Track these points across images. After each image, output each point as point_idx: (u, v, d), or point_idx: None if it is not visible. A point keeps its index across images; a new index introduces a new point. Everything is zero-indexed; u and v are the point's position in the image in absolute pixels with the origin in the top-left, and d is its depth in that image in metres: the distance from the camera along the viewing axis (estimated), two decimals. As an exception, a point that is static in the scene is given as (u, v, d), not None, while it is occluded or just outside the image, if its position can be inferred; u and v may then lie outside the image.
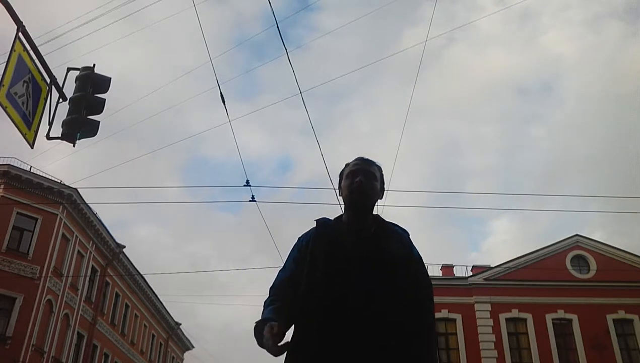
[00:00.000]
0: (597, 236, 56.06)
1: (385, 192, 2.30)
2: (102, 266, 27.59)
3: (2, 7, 6.75)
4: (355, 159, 2.27)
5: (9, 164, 22.40)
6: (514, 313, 23.44)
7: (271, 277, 2.16)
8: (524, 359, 22.81)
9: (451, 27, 59.46)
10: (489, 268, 25.11)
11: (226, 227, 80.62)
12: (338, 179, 2.32)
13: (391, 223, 2.24)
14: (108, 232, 27.61)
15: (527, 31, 63.44)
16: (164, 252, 72.61)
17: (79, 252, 25.21)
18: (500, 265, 24.87)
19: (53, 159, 59.32)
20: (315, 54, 76.29)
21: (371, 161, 2.27)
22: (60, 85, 7.77)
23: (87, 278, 25.87)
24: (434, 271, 24.58)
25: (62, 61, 22.49)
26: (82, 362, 25.38)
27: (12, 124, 6.89)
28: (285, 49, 9.57)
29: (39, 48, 7.41)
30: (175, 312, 48.57)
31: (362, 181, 2.16)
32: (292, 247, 2.25)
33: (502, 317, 23.38)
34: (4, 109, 6.61)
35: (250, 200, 10.78)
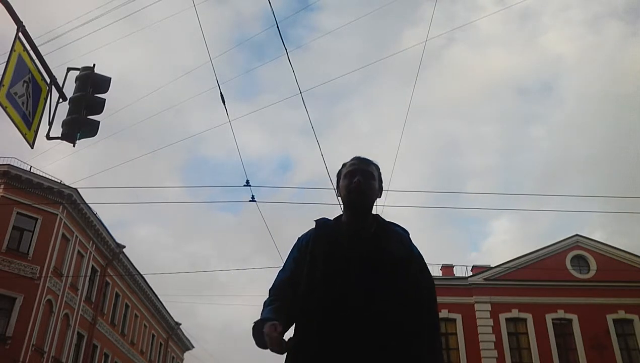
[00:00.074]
0: (597, 236, 56.09)
1: (384, 190, 2.30)
2: (102, 266, 27.60)
3: (2, 7, 6.75)
4: (353, 159, 2.26)
5: (9, 164, 22.40)
6: (514, 313, 23.44)
7: (271, 277, 2.16)
8: (524, 359, 22.81)
9: (451, 27, 59.52)
10: (489, 268, 25.11)
11: (226, 227, 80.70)
12: (336, 179, 2.31)
13: (391, 223, 2.24)
14: (108, 232, 27.61)
15: (527, 31, 63.51)
16: (164, 252, 72.68)
17: (79, 252, 25.21)
18: (500, 265, 24.88)
19: (53, 159, 59.35)
20: (315, 54, 76.36)
21: (369, 160, 2.25)
22: (60, 85, 7.77)
23: (87, 278, 25.87)
24: (434, 271, 24.52)
25: (62, 61, 22.49)
26: (82, 362, 25.38)
27: (12, 124, 6.89)
28: (285, 49, 9.58)
29: (39, 48, 7.41)
30: (175, 312, 48.62)
31: (361, 181, 2.15)
32: (292, 247, 2.25)
33: (502, 317, 23.38)
34: (4, 109, 6.61)
35: (250, 200, 10.79)
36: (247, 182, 10.55)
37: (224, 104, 9.28)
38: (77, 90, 7.56)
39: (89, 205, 24.71)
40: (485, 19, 66.55)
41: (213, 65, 19.05)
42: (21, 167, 22.68)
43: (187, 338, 41.47)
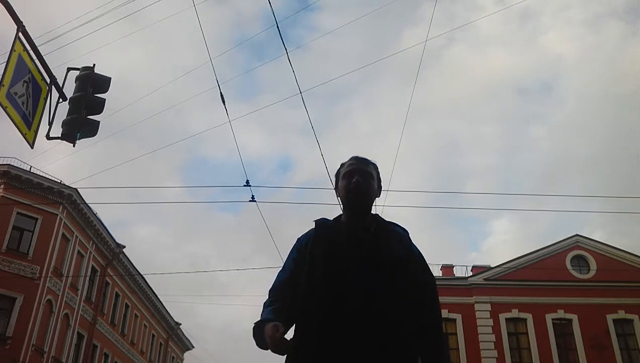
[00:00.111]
0: (597, 236, 56.09)
1: (384, 190, 2.30)
2: (102, 266, 27.60)
3: (2, 7, 6.75)
4: (351, 159, 2.26)
5: (9, 164, 22.40)
6: (514, 313, 23.44)
7: (271, 277, 2.16)
8: (524, 359, 22.81)
9: (451, 27, 59.54)
10: (489, 268, 25.12)
11: (226, 227, 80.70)
12: (334, 179, 2.31)
13: (391, 222, 2.24)
14: (108, 232, 27.62)
15: (527, 31, 63.52)
16: (164, 252, 72.68)
17: (79, 252, 25.21)
18: (500, 265, 24.88)
19: (53, 159, 59.37)
20: (315, 54, 76.37)
21: (367, 160, 2.25)
22: (60, 85, 7.77)
23: (87, 278, 25.88)
24: (434, 271, 24.04)
25: (62, 61, 22.51)
26: (82, 362, 25.38)
27: (12, 124, 6.89)
28: (285, 49, 9.58)
29: (39, 48, 7.41)
30: (175, 312, 48.64)
31: (360, 181, 2.15)
32: (291, 247, 2.25)
33: (502, 317, 23.39)
34: (4, 109, 6.61)
35: (250, 200, 10.78)
36: (247, 182, 10.56)
37: (224, 104, 9.29)
38: (77, 90, 7.56)
39: (89, 205, 24.74)
40: (485, 19, 66.63)
41: (213, 65, 19.09)
42: (21, 167, 22.69)
43: (187, 338, 41.48)
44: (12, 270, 21.22)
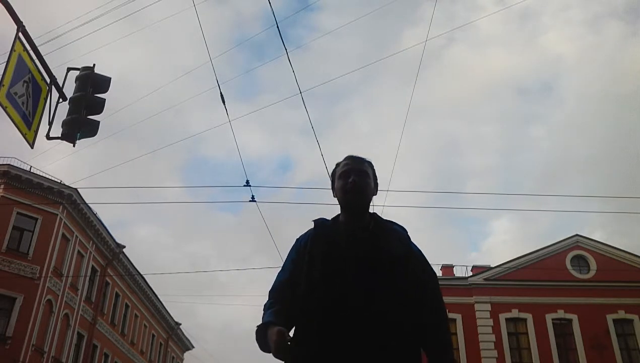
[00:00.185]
0: (597, 236, 56.10)
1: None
2: (102, 266, 27.60)
3: (2, 7, 6.75)
4: (346, 159, 2.25)
5: (9, 164, 22.41)
6: (514, 313, 23.44)
7: (271, 277, 2.16)
8: (524, 359, 22.81)
9: (451, 27, 59.54)
10: (489, 268, 25.12)
11: (226, 227, 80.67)
12: (330, 180, 2.31)
13: (389, 221, 2.23)
14: (108, 232, 27.62)
15: (527, 31, 63.51)
16: (164, 252, 72.67)
17: (79, 252, 25.22)
18: (500, 265, 24.88)
19: (53, 159, 59.36)
20: (315, 54, 76.37)
21: (362, 158, 2.25)
22: (60, 85, 7.77)
23: (87, 278, 25.88)
24: (434, 271, 24.56)
25: (62, 61, 22.53)
26: (82, 362, 25.38)
27: (12, 124, 6.89)
28: (285, 49, 9.59)
29: (39, 48, 7.41)
30: (175, 312, 48.63)
31: (356, 181, 2.15)
32: (290, 248, 2.25)
33: (502, 317, 23.39)
34: (4, 109, 6.61)
35: (250, 200, 10.77)
36: (247, 182, 10.55)
37: (224, 104, 9.28)
38: (77, 90, 7.56)
39: (89, 205, 24.74)
40: (485, 19, 66.61)
41: (213, 65, 19.09)
42: (21, 167, 22.69)
43: (187, 338, 41.48)
44: (12, 270, 21.22)
